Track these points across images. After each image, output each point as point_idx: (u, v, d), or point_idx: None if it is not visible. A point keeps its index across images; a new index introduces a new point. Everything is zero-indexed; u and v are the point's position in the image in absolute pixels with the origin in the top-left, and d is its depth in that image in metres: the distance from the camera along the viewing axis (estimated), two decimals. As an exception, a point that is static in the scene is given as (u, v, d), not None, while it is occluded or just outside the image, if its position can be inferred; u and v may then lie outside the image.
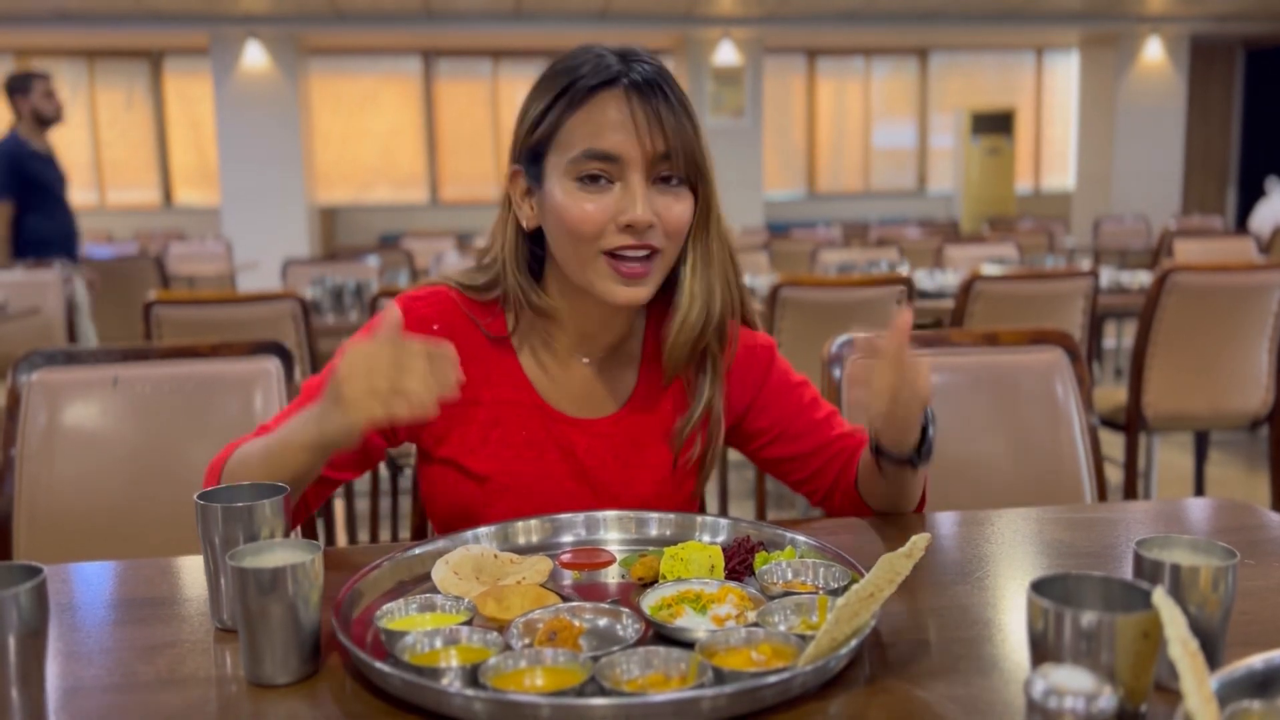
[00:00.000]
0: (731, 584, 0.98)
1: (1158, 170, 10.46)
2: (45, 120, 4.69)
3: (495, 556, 1.04)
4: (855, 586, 0.80)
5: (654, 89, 1.12)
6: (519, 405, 1.23)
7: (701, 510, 1.39)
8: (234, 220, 9.24)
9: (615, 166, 1.11)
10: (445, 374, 0.96)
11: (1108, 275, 4.23)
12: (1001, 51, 11.49)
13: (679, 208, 1.13)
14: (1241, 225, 9.44)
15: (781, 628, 0.89)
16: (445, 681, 0.81)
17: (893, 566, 0.80)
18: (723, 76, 9.85)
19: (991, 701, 0.81)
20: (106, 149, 10.36)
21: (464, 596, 0.95)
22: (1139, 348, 3.18)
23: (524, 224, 1.19)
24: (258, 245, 8.78)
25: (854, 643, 0.82)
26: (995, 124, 10.67)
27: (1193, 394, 3.24)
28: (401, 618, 0.92)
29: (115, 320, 4.86)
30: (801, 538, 1.09)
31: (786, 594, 0.96)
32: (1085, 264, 3.97)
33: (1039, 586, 0.72)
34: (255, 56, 9.22)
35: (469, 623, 0.90)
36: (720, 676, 0.80)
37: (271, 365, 1.75)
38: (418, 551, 1.07)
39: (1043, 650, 0.69)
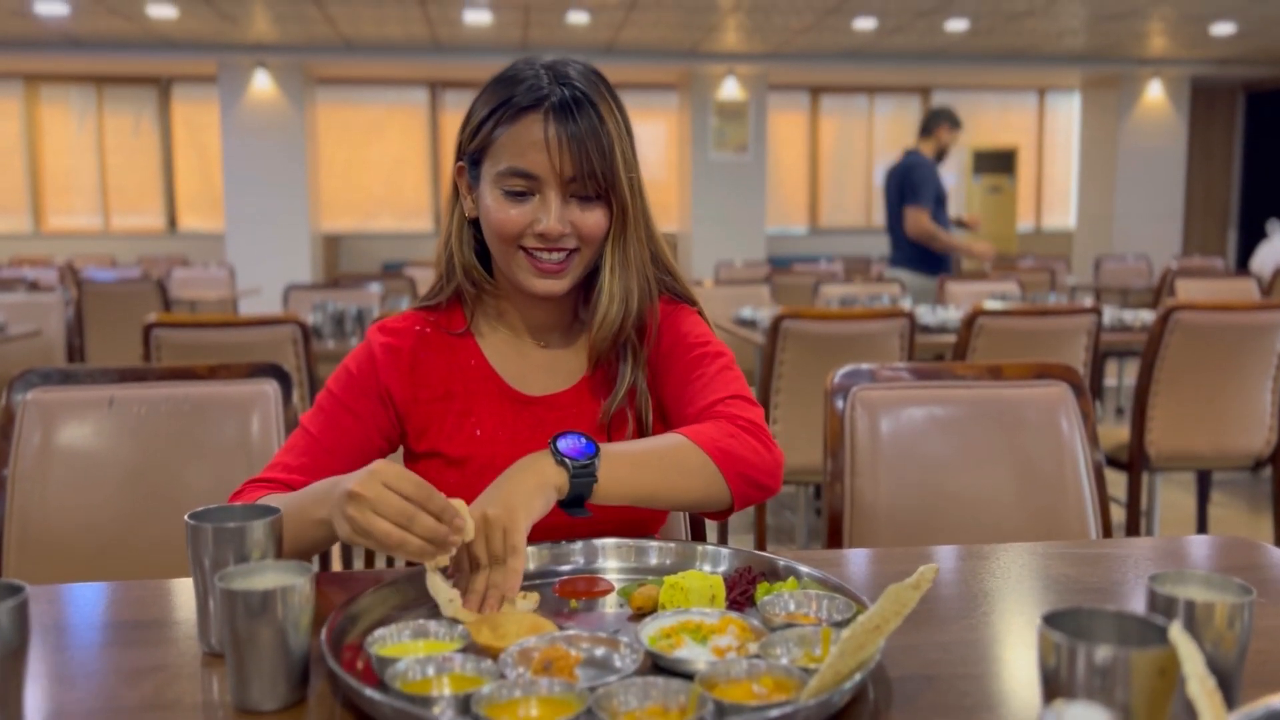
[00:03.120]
0: (733, 614, 0.95)
1: (1159, 211, 10.50)
2: None
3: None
4: (861, 618, 0.78)
5: (571, 113, 1.22)
6: (487, 393, 1.32)
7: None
8: (238, 246, 9.26)
9: (534, 182, 1.22)
10: (448, 533, 0.99)
11: (1110, 313, 4.22)
12: (1004, 91, 11.57)
13: (591, 219, 1.25)
14: (1242, 266, 9.46)
15: (784, 660, 0.87)
16: (437, 710, 0.79)
17: (899, 598, 0.78)
18: (727, 112, 9.92)
19: (1000, 739, 0.78)
20: (113, 174, 10.41)
21: (459, 622, 0.92)
22: (1142, 385, 3.17)
23: (466, 213, 1.32)
24: (261, 271, 8.80)
25: (858, 677, 0.80)
26: (997, 163, 10.73)
27: (1196, 433, 3.22)
28: (394, 644, 0.90)
29: (115, 343, 4.85)
30: (804, 569, 1.07)
31: (789, 625, 0.94)
32: (1087, 302, 3.96)
33: (1051, 620, 0.69)
34: (263, 84, 9.28)
35: (463, 650, 0.88)
36: (721, 709, 0.78)
37: (270, 388, 1.73)
38: (409, 577, 1.05)
39: (1055, 686, 0.67)
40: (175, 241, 10.35)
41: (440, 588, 0.98)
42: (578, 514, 1.10)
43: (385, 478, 0.97)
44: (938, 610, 1.05)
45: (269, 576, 0.87)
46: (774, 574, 1.09)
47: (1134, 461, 3.19)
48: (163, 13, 7.86)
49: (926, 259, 5.30)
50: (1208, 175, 11.39)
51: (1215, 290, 5.08)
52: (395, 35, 8.82)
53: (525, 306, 1.33)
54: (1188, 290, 5.03)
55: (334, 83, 10.41)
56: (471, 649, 0.90)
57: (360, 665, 0.90)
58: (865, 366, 1.76)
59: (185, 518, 0.95)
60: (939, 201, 5.25)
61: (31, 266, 7.36)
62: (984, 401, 1.77)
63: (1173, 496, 4.45)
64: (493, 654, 0.89)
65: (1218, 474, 4.52)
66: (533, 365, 1.34)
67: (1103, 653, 0.65)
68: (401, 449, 1.37)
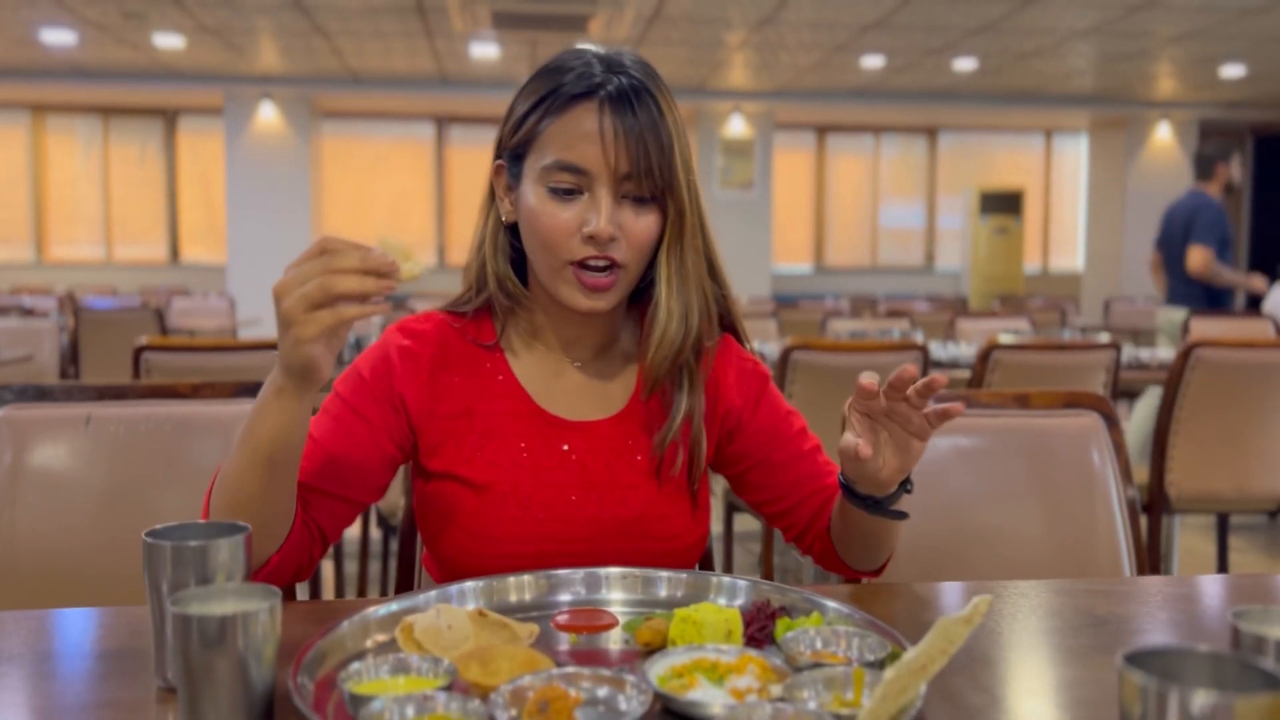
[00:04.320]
0: (752, 652, 0.85)
1: (1168, 253, 10.42)
2: None
3: (482, 613, 0.92)
4: (906, 656, 0.68)
5: (628, 104, 1.12)
6: (514, 413, 1.20)
7: (712, 568, 1.28)
8: (239, 278, 9.21)
9: (583, 178, 1.11)
10: (380, 263, 0.92)
11: (1126, 352, 4.13)
12: (1010, 133, 11.57)
13: (642, 224, 1.14)
14: (1252, 309, 9.36)
15: (812, 705, 0.77)
16: (416, 757, 0.69)
17: (949, 634, 0.68)
18: (733, 149, 9.91)
19: (1063, 800, 0.68)
20: (117, 205, 10.39)
21: (443, 657, 0.82)
22: (1161, 425, 3.06)
23: (503, 217, 1.20)
24: (262, 303, 8.72)
25: (896, 725, 0.70)
26: (1004, 204, 10.70)
27: (1218, 474, 3.11)
28: (370, 680, 0.80)
29: (109, 370, 4.76)
30: (830, 603, 0.97)
31: (815, 665, 0.83)
32: (1102, 339, 3.88)
33: (1134, 661, 0.59)
34: (268, 116, 9.28)
35: (448, 688, 0.78)
36: (742, 760, 0.67)
37: (254, 408, 1.64)
38: (395, 607, 0.95)
39: (1140, 738, 0.57)
40: (177, 273, 10.30)
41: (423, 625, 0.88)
42: (897, 515, 1.13)
43: (286, 271, 0.93)
44: (975, 649, 0.95)
45: (229, 601, 0.77)
46: (795, 609, 0.98)
47: (1154, 503, 3.08)
48: (170, 43, 7.86)
49: (1209, 295, 5.42)
50: (1215, 218, 11.34)
51: (1231, 330, 4.98)
52: (401, 68, 8.83)
53: (562, 322, 1.22)
54: (1203, 330, 4.94)
55: (339, 116, 10.42)
56: (458, 687, 0.80)
57: (332, 704, 0.80)
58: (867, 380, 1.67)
59: (142, 535, 0.85)
60: (1224, 243, 5.38)
61: (31, 295, 7.30)
62: (1010, 431, 1.67)
63: (1189, 541, 4.33)
64: (482, 693, 0.79)
65: (1234, 518, 4.39)
66: (568, 387, 1.22)
67: (1202, 699, 0.55)
68: (411, 464, 1.26)
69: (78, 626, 1.01)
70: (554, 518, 1.16)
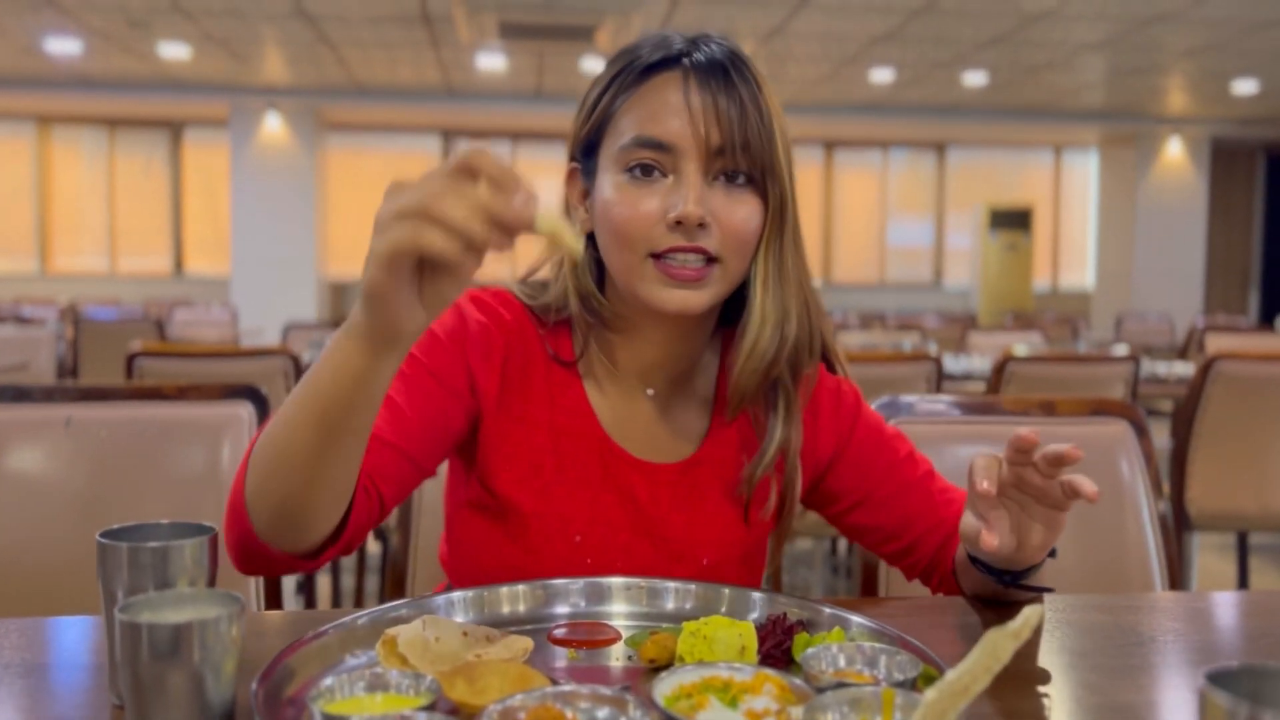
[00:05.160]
0: (769, 671, 0.77)
1: (1178, 270, 10.36)
2: None
3: (465, 634, 0.84)
4: (949, 676, 0.60)
5: (719, 72, 0.97)
6: (580, 436, 1.06)
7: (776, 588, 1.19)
8: (243, 290, 9.16)
9: (668, 157, 0.97)
10: (508, 212, 0.70)
11: (1143, 366, 4.04)
12: (1020, 149, 11.51)
13: (742, 211, 0.98)
14: (1265, 324, 9.27)
15: (836, 729, 0.69)
16: (390, 786, 0.60)
17: (995, 650, 0.60)
18: (740, 164, 9.84)
19: (1127, 841, 0.59)
20: (121, 217, 10.37)
21: (427, 673, 0.74)
22: (1181, 440, 2.98)
23: (579, 229, 1.05)
24: (266, 316, 8.67)
25: (932, 754, 0.61)
26: (1013, 220, 10.63)
27: (1239, 491, 3.02)
28: (344, 699, 0.72)
29: (106, 379, 4.69)
30: (855, 617, 0.88)
31: (839, 685, 0.75)
32: (1118, 351, 3.80)
33: (1217, 681, 0.51)
34: (274, 127, 9.26)
35: (431, 707, 0.70)
36: (760, 793, 0.59)
37: (244, 411, 1.56)
38: (374, 619, 0.87)
39: (1231, 773, 0.48)
40: (181, 285, 10.26)
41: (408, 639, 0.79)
42: (1039, 590, 1.02)
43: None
44: (1010, 669, 0.86)
45: (185, 608, 0.69)
46: (816, 624, 0.90)
47: (1174, 521, 2.99)
48: (175, 53, 7.84)
49: None
50: (1228, 235, 11.27)
51: (1248, 345, 4.89)
52: (408, 80, 8.80)
53: (640, 341, 1.06)
54: (1220, 345, 4.85)
55: (345, 128, 10.40)
56: (442, 707, 0.72)
57: (301, 724, 0.71)
58: (905, 399, 1.59)
59: (96, 536, 0.77)
60: None
61: (33, 305, 7.26)
62: (1035, 439, 1.59)
63: (1204, 560, 4.23)
64: (468, 713, 0.71)
65: (1253, 538, 4.30)
66: (640, 420, 1.08)
67: (1307, 728, 0.47)
68: (446, 467, 1.11)
69: (24, 635, 0.92)
70: (603, 564, 1.04)
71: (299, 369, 2.89)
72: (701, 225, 0.96)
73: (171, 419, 1.55)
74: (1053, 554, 1.00)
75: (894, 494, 1.12)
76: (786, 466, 1.08)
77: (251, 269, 9.22)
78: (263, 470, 0.84)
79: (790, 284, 1.02)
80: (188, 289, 10.07)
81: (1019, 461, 0.90)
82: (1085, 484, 0.88)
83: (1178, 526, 3.01)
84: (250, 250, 9.22)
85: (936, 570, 1.12)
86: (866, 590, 1.46)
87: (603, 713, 0.70)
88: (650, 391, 1.09)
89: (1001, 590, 1.03)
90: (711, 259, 0.98)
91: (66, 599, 1.42)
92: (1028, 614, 0.60)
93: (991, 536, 0.90)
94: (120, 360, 2.71)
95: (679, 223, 0.95)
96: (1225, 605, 1.18)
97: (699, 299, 0.99)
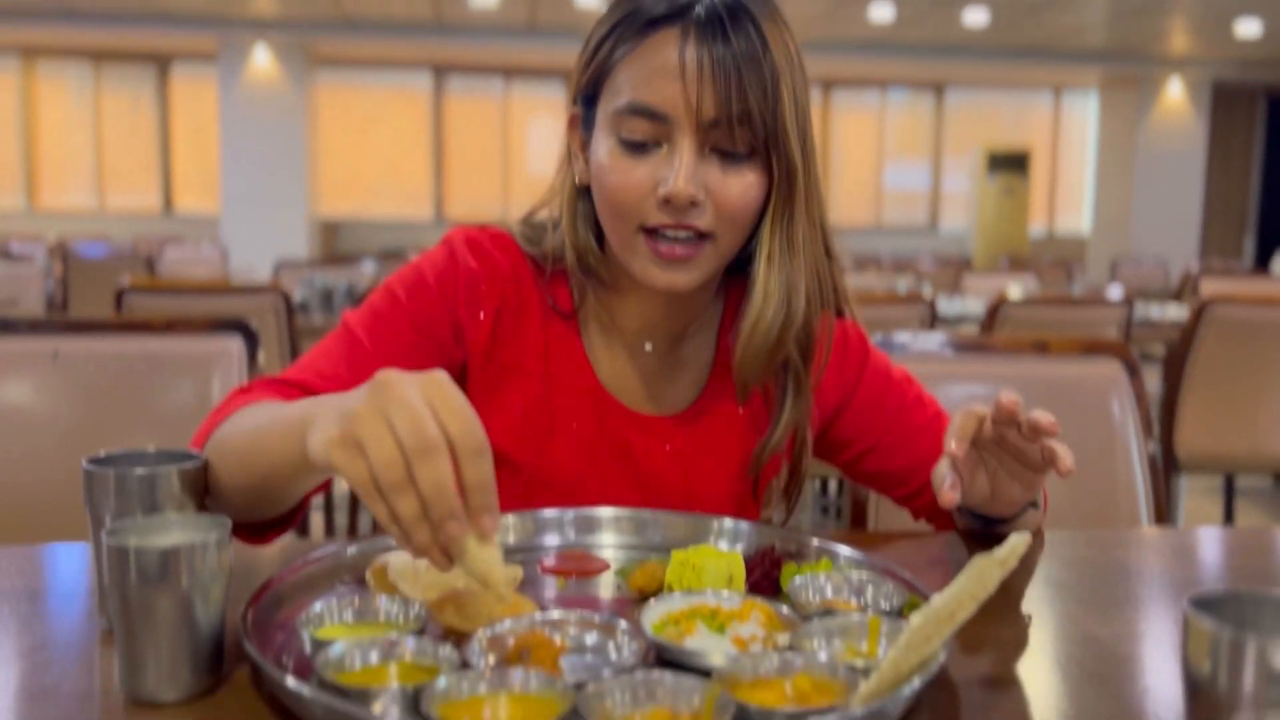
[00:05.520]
0: (757, 599, 0.77)
1: (1176, 215, 10.32)
2: None
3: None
4: (935, 602, 0.60)
5: (719, 29, 0.90)
6: (575, 388, 1.03)
7: None
8: (233, 229, 9.09)
9: (662, 127, 0.91)
10: (450, 515, 0.63)
11: (1136, 309, 4.04)
12: (1019, 90, 11.38)
13: (738, 186, 0.92)
14: (1260, 268, 9.26)
15: (822, 655, 0.69)
16: (377, 709, 0.61)
17: (982, 577, 0.60)
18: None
19: (1107, 764, 0.60)
20: (109, 153, 10.24)
21: (416, 599, 0.74)
22: (1172, 383, 2.99)
23: (577, 179, 1.01)
24: (256, 254, 8.61)
25: (917, 681, 0.62)
26: (1011, 164, 10.55)
27: (1229, 434, 3.04)
28: (332, 624, 0.72)
29: (96, 315, 4.67)
30: (842, 549, 0.89)
31: (827, 613, 0.76)
32: (1112, 295, 3.79)
33: (1202, 606, 0.51)
34: (263, 62, 9.11)
35: (420, 633, 0.70)
36: (745, 716, 0.60)
37: (233, 346, 1.55)
38: (364, 548, 0.87)
39: (1212, 696, 0.49)
40: (170, 223, 10.17)
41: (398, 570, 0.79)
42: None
43: (400, 396, 0.62)
44: (996, 600, 0.87)
45: (173, 533, 0.69)
46: (803, 555, 0.90)
47: (1162, 463, 3.01)
48: (163, -15, 7.69)
49: None
50: (1226, 180, 11.20)
51: (1243, 289, 4.89)
52: (399, 13, 8.65)
53: (637, 301, 1.03)
54: (1214, 289, 4.84)
55: (335, 64, 10.23)
56: (431, 633, 0.72)
57: (290, 650, 0.72)
58: (898, 338, 1.58)
59: (82, 462, 0.76)
60: None
61: (21, 242, 7.19)
62: (1028, 380, 1.59)
63: (1192, 504, 4.27)
64: (457, 639, 0.71)
65: (1240, 481, 4.33)
66: (638, 373, 1.05)
67: (1289, 651, 0.47)
68: None
69: (11, 563, 0.93)
70: None
71: (290, 306, 2.87)
72: (694, 204, 0.91)
73: (160, 353, 1.54)
74: (1035, 505, 1.01)
75: (903, 440, 1.11)
76: (796, 443, 1.06)
77: (241, 207, 9.13)
78: (214, 466, 0.81)
79: (799, 257, 0.96)
80: (177, 227, 9.98)
81: (1002, 422, 0.89)
82: (1063, 457, 0.88)
83: (1166, 469, 3.03)
84: (240, 188, 9.12)
85: (942, 513, 1.12)
86: (856, 522, 1.46)
87: (591, 638, 0.71)
88: (648, 347, 1.06)
89: (985, 531, 1.04)
90: (704, 235, 0.93)
91: (55, 531, 1.42)
92: (1014, 542, 0.60)
93: (951, 494, 0.89)
94: (110, 297, 2.69)
95: (668, 200, 0.91)
96: (1211, 541, 1.19)
97: (688, 279, 0.95)
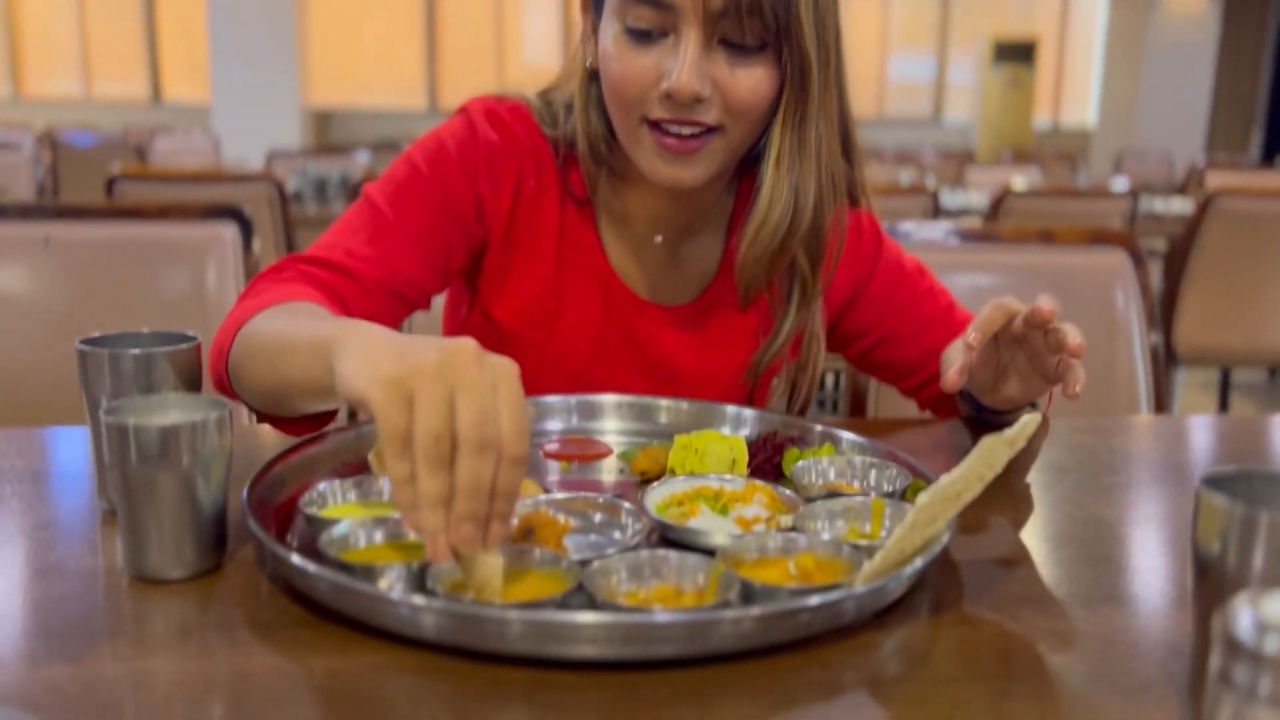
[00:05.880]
0: (760, 481, 0.77)
1: (1183, 107, 10.13)
2: None
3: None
4: (943, 480, 0.59)
5: None
6: (585, 272, 1.02)
7: None
8: (224, 119, 8.89)
9: (667, 15, 0.87)
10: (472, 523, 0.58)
11: (1140, 203, 3.99)
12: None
13: (747, 81, 0.88)
14: (1266, 165, 9.15)
15: (825, 536, 0.69)
16: (384, 584, 0.61)
17: (990, 456, 0.59)
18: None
19: (1106, 638, 0.61)
20: (94, 38, 9.96)
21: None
22: (1173, 276, 2.97)
23: (588, 62, 0.97)
24: (248, 145, 8.45)
25: (919, 562, 0.62)
26: (1017, 53, 10.29)
27: (1228, 327, 3.04)
28: (335, 504, 0.72)
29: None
30: (845, 434, 0.89)
31: (830, 495, 0.76)
32: (1117, 187, 3.74)
33: (1215, 485, 0.51)
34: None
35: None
36: (749, 593, 0.60)
37: (228, 233, 1.53)
38: (365, 431, 0.86)
39: (1220, 572, 0.49)
40: (160, 112, 9.95)
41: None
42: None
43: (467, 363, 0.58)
44: (998, 482, 0.87)
45: (172, 412, 0.68)
46: (806, 440, 0.90)
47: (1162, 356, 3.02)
48: None
49: None
50: (1236, 72, 10.96)
51: (1250, 183, 4.83)
52: (390, -106, 8.31)
53: (646, 192, 1.00)
54: (1221, 182, 4.79)
55: (326, -54, 9.88)
56: (434, 513, 0.72)
57: (293, 529, 0.72)
58: (902, 227, 1.56)
59: (76, 343, 0.75)
60: None
61: (7, 130, 7.05)
62: (1032, 269, 1.58)
63: (1188, 398, 4.29)
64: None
65: (1235, 375, 4.35)
66: (649, 262, 1.04)
67: (1303, 527, 0.47)
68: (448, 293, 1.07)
69: (21, 445, 0.92)
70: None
71: (284, 196, 2.83)
72: (698, 99, 0.87)
73: (154, 240, 1.51)
74: (1034, 406, 1.01)
75: (915, 331, 1.10)
76: (803, 346, 1.04)
77: (232, 97, 8.92)
78: (242, 371, 0.79)
79: (811, 161, 0.92)
80: (167, 116, 9.77)
81: (1035, 325, 0.87)
82: (1075, 380, 0.88)
83: (1165, 360, 3.04)
84: (230, 77, 8.89)
85: (946, 404, 1.12)
86: (855, 412, 1.47)
87: (596, 517, 0.71)
88: (658, 239, 1.04)
89: (977, 417, 1.04)
90: (712, 128, 0.90)
91: (51, 417, 1.42)
92: (1025, 421, 0.60)
93: (957, 377, 0.88)
94: (100, 186, 2.65)
95: (670, 95, 0.87)
96: (1211, 428, 1.19)
97: (694, 174, 0.91)
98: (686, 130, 0.89)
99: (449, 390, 0.57)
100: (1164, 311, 3.02)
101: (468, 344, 0.59)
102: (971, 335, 0.88)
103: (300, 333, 0.72)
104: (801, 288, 1.00)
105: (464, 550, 0.58)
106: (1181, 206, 4.01)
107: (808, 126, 0.91)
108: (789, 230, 0.93)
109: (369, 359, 0.60)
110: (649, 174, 0.92)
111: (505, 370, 0.59)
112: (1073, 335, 0.85)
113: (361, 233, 0.94)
